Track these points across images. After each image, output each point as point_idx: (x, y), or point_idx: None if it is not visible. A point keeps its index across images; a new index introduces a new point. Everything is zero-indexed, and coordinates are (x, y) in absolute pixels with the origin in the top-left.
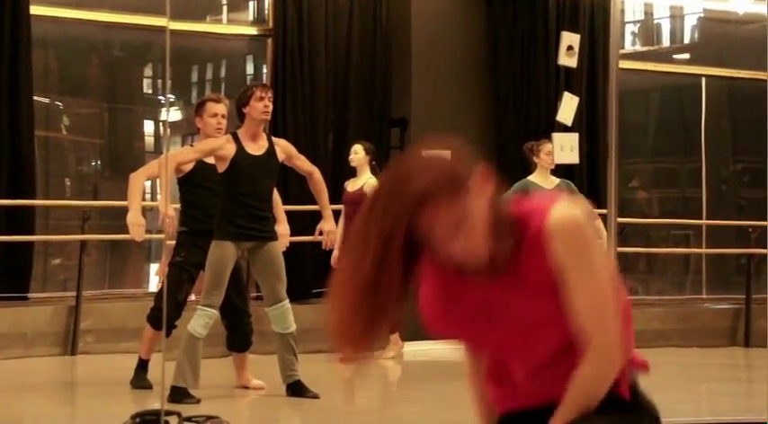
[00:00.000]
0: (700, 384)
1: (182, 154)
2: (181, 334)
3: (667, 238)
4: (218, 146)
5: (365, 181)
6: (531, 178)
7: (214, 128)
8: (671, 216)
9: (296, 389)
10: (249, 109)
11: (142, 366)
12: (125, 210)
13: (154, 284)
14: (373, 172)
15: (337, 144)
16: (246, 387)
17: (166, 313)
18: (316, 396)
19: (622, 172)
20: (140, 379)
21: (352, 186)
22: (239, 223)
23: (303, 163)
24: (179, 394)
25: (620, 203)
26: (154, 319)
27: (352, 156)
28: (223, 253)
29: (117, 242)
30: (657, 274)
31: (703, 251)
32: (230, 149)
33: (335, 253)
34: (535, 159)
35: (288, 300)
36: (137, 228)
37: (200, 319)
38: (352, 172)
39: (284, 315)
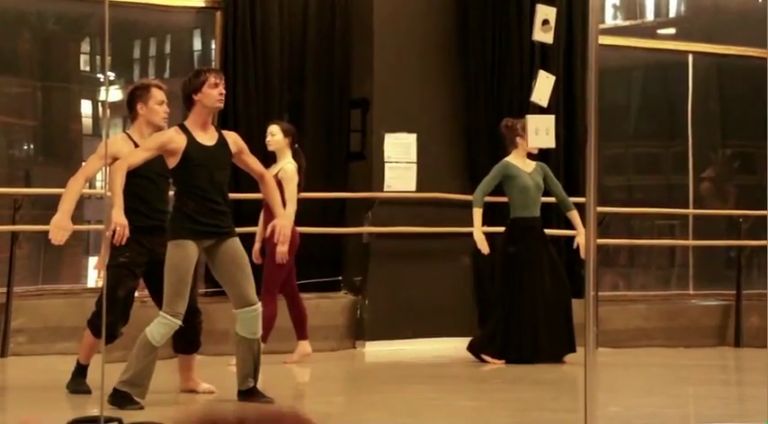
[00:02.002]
0: (686, 388)
1: (132, 157)
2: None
3: (651, 229)
4: (167, 140)
5: (282, 166)
6: (510, 159)
7: (161, 116)
8: (655, 205)
9: (249, 394)
10: (201, 96)
11: (80, 370)
12: (60, 198)
13: (93, 279)
14: (295, 156)
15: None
16: (194, 391)
17: (111, 318)
18: (270, 401)
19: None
20: (78, 383)
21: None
22: (199, 219)
23: (254, 163)
24: (122, 399)
25: (600, 191)
26: (95, 326)
27: (268, 139)
28: (185, 254)
29: None
30: (641, 268)
31: (690, 242)
32: (181, 141)
33: (257, 246)
34: (517, 138)
35: (260, 303)
36: (58, 231)
37: (162, 328)
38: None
39: (254, 320)
